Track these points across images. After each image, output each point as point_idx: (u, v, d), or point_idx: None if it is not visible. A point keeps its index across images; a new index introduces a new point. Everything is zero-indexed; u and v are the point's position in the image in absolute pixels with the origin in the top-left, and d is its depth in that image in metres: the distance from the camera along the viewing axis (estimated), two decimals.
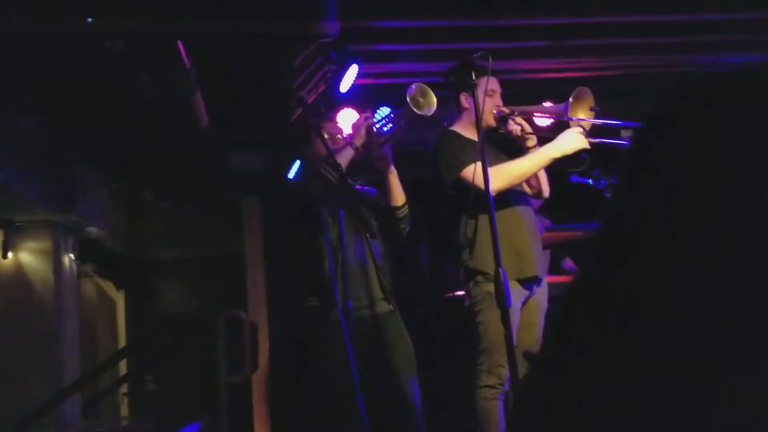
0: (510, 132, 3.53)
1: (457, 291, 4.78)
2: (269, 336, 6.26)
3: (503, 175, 3.27)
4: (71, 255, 5.52)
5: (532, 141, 3.60)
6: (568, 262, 5.46)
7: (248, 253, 6.45)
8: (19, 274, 5.21)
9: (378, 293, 3.51)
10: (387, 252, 3.66)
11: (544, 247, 5.28)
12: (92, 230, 5.75)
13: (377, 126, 3.50)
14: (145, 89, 3.94)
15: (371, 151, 3.47)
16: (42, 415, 3.71)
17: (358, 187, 3.61)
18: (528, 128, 3.57)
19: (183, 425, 3.17)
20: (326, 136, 3.53)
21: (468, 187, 3.33)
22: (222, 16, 3.40)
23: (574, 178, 4.33)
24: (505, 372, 3.29)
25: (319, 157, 3.50)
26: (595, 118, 3.37)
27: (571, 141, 3.31)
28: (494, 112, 3.50)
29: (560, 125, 3.51)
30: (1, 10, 2.95)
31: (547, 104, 3.67)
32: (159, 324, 6.31)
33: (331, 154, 3.32)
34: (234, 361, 3.60)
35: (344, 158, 3.39)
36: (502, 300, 2.70)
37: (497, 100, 3.58)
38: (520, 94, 5.65)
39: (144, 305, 7.06)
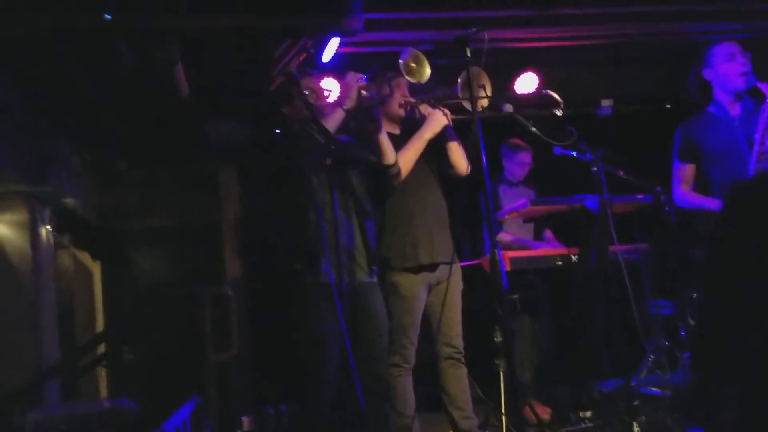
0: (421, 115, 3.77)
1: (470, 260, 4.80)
2: (248, 307, 6.22)
3: None
4: (48, 227, 5.42)
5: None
6: (548, 234, 5.48)
7: (226, 224, 6.38)
8: None
9: (362, 258, 3.46)
10: (373, 212, 3.61)
11: (528, 220, 5.30)
12: (68, 201, 5.64)
13: (369, 89, 3.44)
14: (125, 59, 3.83)
15: (360, 112, 3.43)
16: (24, 398, 3.65)
17: (343, 138, 3.56)
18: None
19: (166, 403, 3.13)
20: (307, 91, 3.47)
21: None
22: (249, 10, 3.38)
23: (557, 150, 4.32)
24: (408, 352, 3.68)
25: (303, 116, 3.44)
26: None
27: (437, 121, 3.68)
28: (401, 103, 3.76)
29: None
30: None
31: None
32: (142, 299, 6.23)
33: (316, 119, 3.29)
34: (220, 339, 3.56)
35: (334, 121, 3.34)
36: (497, 279, 2.72)
37: (404, 91, 3.80)
38: (503, 63, 5.63)
39: (120, 275, 6.97)
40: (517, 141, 5.36)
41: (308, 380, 3.37)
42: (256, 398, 5.78)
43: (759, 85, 3.86)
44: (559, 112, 3.59)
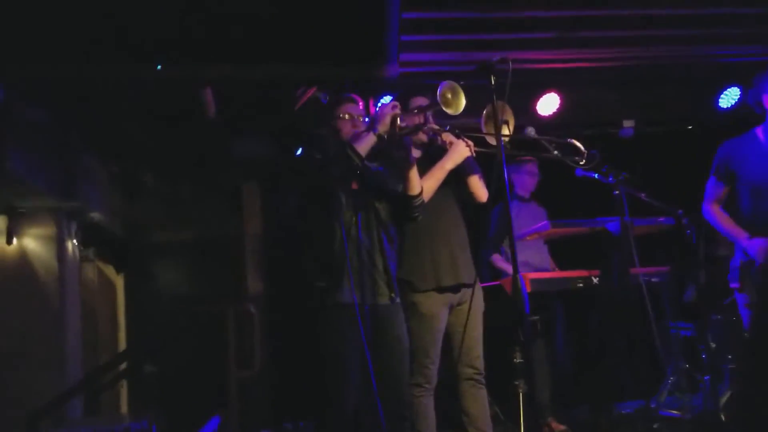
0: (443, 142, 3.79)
1: (490, 282, 4.82)
2: (267, 322, 6.26)
3: None
4: (74, 240, 5.51)
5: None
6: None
7: (248, 239, 6.44)
8: (23, 260, 5.21)
9: (382, 281, 3.46)
10: (397, 238, 3.63)
11: (547, 242, 5.31)
12: (94, 215, 5.73)
13: (403, 118, 3.47)
14: (155, 80, 3.91)
15: (392, 140, 3.46)
16: (49, 414, 3.70)
17: (374, 168, 3.59)
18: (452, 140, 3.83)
19: (187, 419, 3.16)
20: (347, 117, 3.53)
21: None
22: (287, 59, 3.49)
23: (579, 172, 4.33)
24: (429, 372, 3.69)
25: (341, 138, 3.48)
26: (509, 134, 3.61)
27: (460, 152, 3.71)
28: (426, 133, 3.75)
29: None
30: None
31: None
32: (165, 315, 6.30)
33: (347, 142, 3.34)
34: (243, 356, 3.58)
35: (366, 144, 3.38)
36: (520, 301, 2.75)
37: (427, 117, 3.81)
38: (526, 84, 5.67)
39: (143, 288, 7.05)
40: (520, 157, 5.38)
41: (327, 398, 3.39)
42: (274, 413, 5.82)
43: None
44: (582, 162, 3.58)
